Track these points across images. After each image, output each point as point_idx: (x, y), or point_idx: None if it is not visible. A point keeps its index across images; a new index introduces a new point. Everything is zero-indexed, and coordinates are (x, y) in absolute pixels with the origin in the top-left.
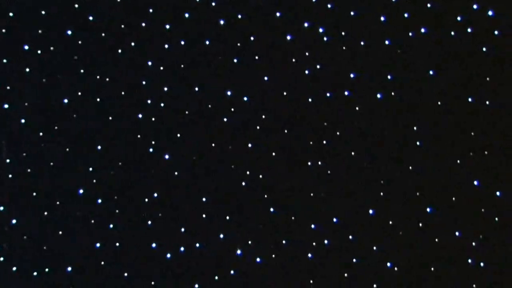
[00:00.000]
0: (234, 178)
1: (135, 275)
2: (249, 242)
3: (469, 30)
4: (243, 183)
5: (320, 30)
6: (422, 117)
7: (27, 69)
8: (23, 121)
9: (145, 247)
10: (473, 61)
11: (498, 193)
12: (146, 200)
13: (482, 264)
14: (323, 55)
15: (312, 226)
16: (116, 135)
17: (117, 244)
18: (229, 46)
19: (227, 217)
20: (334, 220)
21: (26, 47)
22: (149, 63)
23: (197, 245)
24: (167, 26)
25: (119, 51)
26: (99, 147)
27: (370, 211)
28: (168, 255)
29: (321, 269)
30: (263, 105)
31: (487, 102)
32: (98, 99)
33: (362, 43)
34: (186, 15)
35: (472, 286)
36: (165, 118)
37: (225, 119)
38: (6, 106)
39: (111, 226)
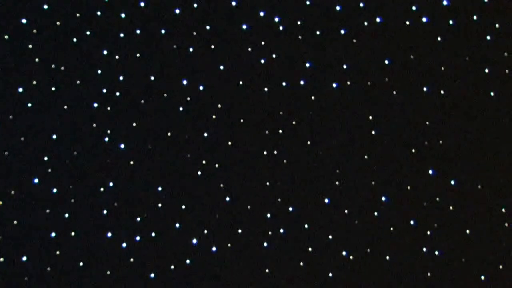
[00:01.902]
0: (190, 167)
1: (90, 264)
2: (205, 231)
3: (424, 20)
4: (199, 172)
5: (276, 19)
6: (377, 106)
7: None
8: None
9: (100, 236)
10: (428, 50)
11: (452, 182)
12: (102, 189)
13: (436, 252)
14: (278, 44)
15: (268, 215)
16: (71, 124)
17: (73, 233)
18: (185, 35)
19: (183, 206)
20: (290, 209)
21: None
22: (104, 52)
23: (153, 234)
24: (122, 15)
25: (74, 39)
26: (54, 136)
27: (326, 200)
28: (124, 244)
29: (276, 258)
30: (219, 94)
31: (442, 92)
32: (52, 88)
33: (317, 32)
34: (142, 4)
35: (427, 274)
36: (120, 107)
37: (180, 108)
38: None
39: (67, 215)
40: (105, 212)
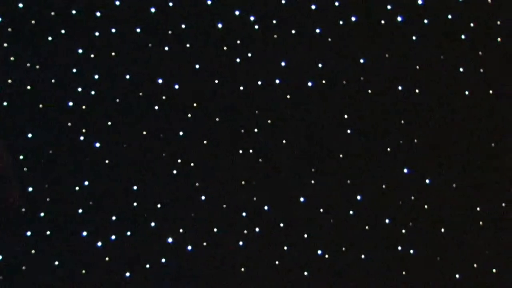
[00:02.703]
0: (165, 166)
1: (65, 263)
2: (180, 230)
3: (399, 18)
4: (174, 171)
5: (252, 18)
6: (352, 105)
7: None
8: None
9: (75, 235)
10: (403, 49)
11: (427, 181)
12: (77, 188)
13: (411, 251)
14: (254, 42)
15: (243, 214)
16: (46, 123)
17: (48, 232)
18: (160, 33)
19: (158, 205)
20: (265, 208)
21: None
22: (79, 51)
23: (128, 233)
24: (98, 14)
25: (49, 38)
26: (29, 135)
27: (301, 199)
28: (99, 243)
29: (252, 257)
30: (194, 93)
31: (417, 91)
32: (28, 87)
33: (293, 31)
34: (117, 2)
35: (402, 273)
36: (95, 106)
37: (156, 107)
38: None
39: (42, 214)
40: (80, 211)
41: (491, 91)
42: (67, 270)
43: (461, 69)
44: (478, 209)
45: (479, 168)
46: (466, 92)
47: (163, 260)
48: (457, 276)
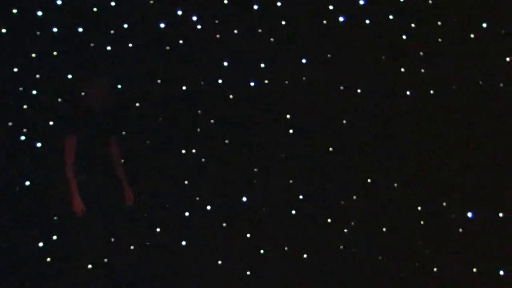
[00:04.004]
0: (104, 164)
1: (7, 263)
2: (121, 230)
3: (341, 19)
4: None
5: (194, 18)
6: (295, 104)
7: None
8: None
9: (17, 235)
10: (345, 49)
11: (369, 180)
12: (18, 188)
13: (353, 250)
14: (196, 42)
15: (186, 213)
16: None
17: None
18: (103, 33)
19: (101, 205)
20: (208, 207)
21: None
22: (20, 50)
23: (70, 233)
24: (39, 13)
25: None
26: None
27: (244, 199)
28: (41, 244)
29: (194, 256)
30: (136, 92)
31: (358, 90)
32: None
33: (235, 31)
34: (59, 2)
35: (343, 271)
36: (37, 106)
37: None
38: None
39: None
40: (21, 211)
41: (431, 91)
42: (9, 270)
43: (402, 69)
44: (419, 208)
45: (420, 168)
46: (408, 93)
47: (105, 260)
48: (398, 275)
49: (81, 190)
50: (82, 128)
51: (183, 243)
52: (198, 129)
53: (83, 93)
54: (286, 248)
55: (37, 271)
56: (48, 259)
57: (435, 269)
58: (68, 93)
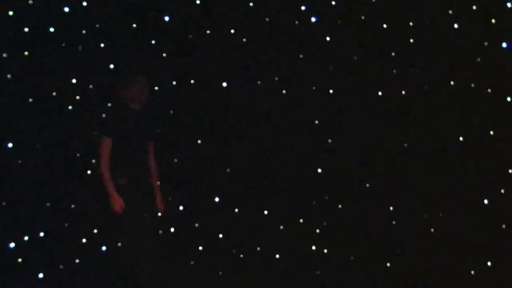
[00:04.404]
0: (78, 165)
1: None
2: (94, 230)
3: (313, 19)
4: (88, 172)
5: (166, 18)
6: (263, 104)
7: None
8: None
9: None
10: (316, 49)
11: (341, 180)
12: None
13: (325, 250)
14: (167, 42)
15: (159, 214)
16: None
17: None
18: (73, 33)
19: (72, 206)
20: (180, 207)
21: None
22: None
23: (41, 234)
24: (10, 13)
25: None
26: None
27: (216, 199)
28: (12, 245)
29: (167, 256)
30: (103, 91)
31: (331, 91)
32: None
33: (208, 31)
34: (30, 1)
35: (316, 272)
36: (7, 106)
37: (69, 107)
38: None
39: None
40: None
41: (403, 92)
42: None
43: (374, 70)
44: (391, 208)
45: (392, 168)
46: (380, 93)
47: (77, 260)
48: (368, 275)
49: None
50: (119, 130)
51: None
52: (169, 129)
53: (121, 93)
54: (258, 248)
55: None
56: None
57: (406, 269)
58: (106, 93)
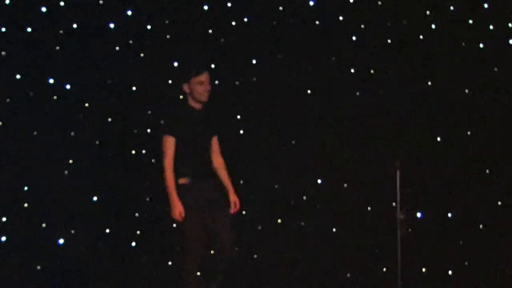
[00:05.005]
0: (56, 166)
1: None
2: (72, 231)
3: (290, 20)
4: (65, 172)
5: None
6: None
7: None
8: None
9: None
10: (295, 50)
11: (319, 181)
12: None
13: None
14: (145, 43)
15: (136, 214)
16: None
17: None
18: (52, 33)
19: (49, 206)
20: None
21: None
22: None
23: (19, 234)
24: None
25: None
26: None
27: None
28: (61, 241)
29: (144, 256)
30: (86, 93)
31: (308, 91)
32: None
33: (183, 32)
34: (7, 1)
35: (295, 273)
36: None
37: (47, 107)
38: None
39: None
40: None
41: (381, 91)
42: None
43: (352, 70)
44: (368, 208)
45: (369, 169)
46: (357, 93)
47: (56, 261)
48: (348, 275)
49: (183, 195)
50: (182, 128)
51: (133, 244)
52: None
53: (184, 89)
54: (235, 249)
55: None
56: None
57: (384, 269)
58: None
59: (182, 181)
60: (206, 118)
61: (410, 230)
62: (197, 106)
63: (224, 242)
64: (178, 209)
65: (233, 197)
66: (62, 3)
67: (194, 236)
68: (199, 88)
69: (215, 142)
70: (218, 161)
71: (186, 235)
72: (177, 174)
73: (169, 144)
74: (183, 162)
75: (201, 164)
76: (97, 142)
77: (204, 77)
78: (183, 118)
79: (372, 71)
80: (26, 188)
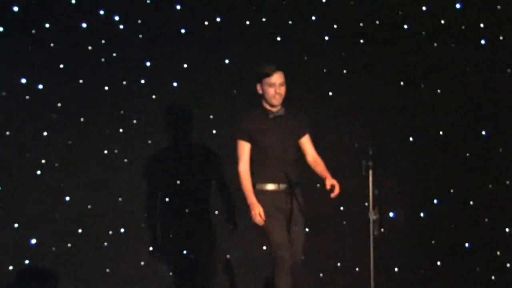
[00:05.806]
0: (28, 166)
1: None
2: (44, 231)
3: (263, 19)
4: (38, 172)
5: (116, 18)
6: (216, 105)
7: None
8: None
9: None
10: (267, 49)
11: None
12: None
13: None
14: (119, 43)
15: (109, 214)
16: None
17: None
18: (23, 32)
19: (22, 206)
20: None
21: None
22: None
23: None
24: None
25: None
26: None
27: (166, 199)
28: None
29: (117, 257)
30: (59, 93)
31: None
32: None
33: (157, 31)
34: None
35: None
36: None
37: (20, 107)
38: None
39: None
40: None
41: (354, 90)
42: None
43: (324, 70)
44: (341, 208)
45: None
46: (330, 93)
47: (26, 261)
48: (321, 275)
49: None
50: (255, 133)
51: (105, 244)
52: (121, 129)
53: (258, 90)
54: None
55: None
56: None
57: (357, 269)
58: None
59: (262, 186)
60: (288, 122)
61: (382, 230)
62: (273, 109)
63: (297, 255)
64: (257, 209)
65: (330, 181)
66: (34, 2)
67: (278, 233)
68: (270, 90)
69: (304, 142)
70: (311, 160)
71: (270, 236)
72: (254, 180)
73: (242, 148)
74: (258, 168)
75: (278, 170)
76: (69, 142)
77: (275, 78)
78: (256, 123)
79: (344, 71)
80: None
